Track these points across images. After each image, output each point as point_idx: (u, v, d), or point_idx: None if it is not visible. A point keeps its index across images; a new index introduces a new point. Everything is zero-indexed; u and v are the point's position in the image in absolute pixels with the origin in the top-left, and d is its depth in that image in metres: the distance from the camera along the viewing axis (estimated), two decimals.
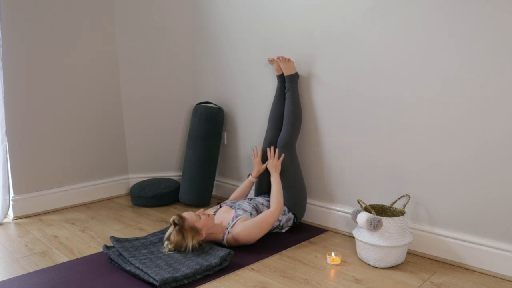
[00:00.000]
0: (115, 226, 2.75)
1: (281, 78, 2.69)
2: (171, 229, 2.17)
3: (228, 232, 2.27)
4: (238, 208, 2.38)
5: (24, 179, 2.95)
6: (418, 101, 2.16)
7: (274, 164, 2.55)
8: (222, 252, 2.08)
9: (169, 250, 2.16)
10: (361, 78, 2.38)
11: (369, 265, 2.12)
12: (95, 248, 2.38)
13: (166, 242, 2.18)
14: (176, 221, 2.14)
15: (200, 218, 2.19)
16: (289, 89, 2.62)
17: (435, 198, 2.16)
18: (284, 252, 2.28)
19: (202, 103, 3.25)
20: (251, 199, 2.55)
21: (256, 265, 2.13)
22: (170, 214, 2.97)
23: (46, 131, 3.03)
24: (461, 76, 2.00)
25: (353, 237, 2.46)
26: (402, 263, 2.13)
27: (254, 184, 2.76)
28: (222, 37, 3.15)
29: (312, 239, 2.47)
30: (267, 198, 2.58)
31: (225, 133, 3.27)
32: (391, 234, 2.02)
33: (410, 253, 2.25)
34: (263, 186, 2.72)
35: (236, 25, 3.03)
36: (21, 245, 2.43)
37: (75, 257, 2.25)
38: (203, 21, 3.28)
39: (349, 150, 2.49)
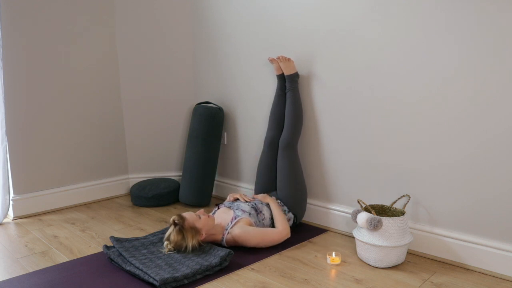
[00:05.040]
0: (115, 226, 2.75)
1: (281, 77, 2.69)
2: (171, 229, 2.17)
3: (228, 233, 2.27)
4: (236, 209, 2.37)
5: (24, 179, 2.95)
6: (418, 101, 2.16)
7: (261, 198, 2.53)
8: (222, 252, 2.08)
9: (169, 250, 2.16)
10: (361, 77, 2.38)
11: (369, 265, 2.12)
12: (95, 248, 2.38)
13: (166, 242, 2.18)
14: (176, 221, 2.14)
15: (200, 218, 2.19)
16: (290, 89, 2.62)
17: (435, 198, 2.16)
18: (284, 252, 2.28)
19: (202, 103, 3.25)
20: None
21: (256, 265, 2.13)
22: (170, 214, 2.97)
23: (46, 131, 3.03)
24: (461, 75, 2.00)
25: (353, 237, 2.46)
26: (402, 263, 2.13)
27: (254, 185, 2.76)
28: (222, 37, 3.15)
29: (312, 239, 2.47)
30: None
31: (225, 133, 3.27)
32: (391, 234, 2.02)
33: (410, 253, 2.25)
34: (262, 188, 2.71)
35: (236, 25, 3.02)
36: (21, 245, 2.43)
37: (75, 257, 2.25)
38: (203, 21, 3.28)
39: (349, 150, 2.49)
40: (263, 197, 2.52)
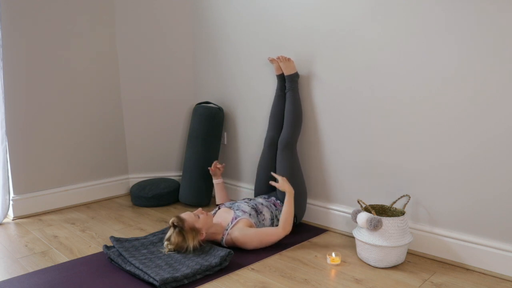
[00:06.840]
0: (115, 226, 2.75)
1: (281, 77, 2.69)
2: (171, 231, 2.17)
3: (228, 234, 2.26)
4: (237, 209, 2.37)
5: (24, 179, 2.95)
6: (418, 101, 2.16)
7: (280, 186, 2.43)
8: (222, 252, 2.08)
9: (169, 250, 2.16)
10: (361, 77, 2.38)
11: (369, 265, 2.12)
12: (95, 248, 2.38)
13: (166, 243, 2.18)
14: (175, 223, 2.13)
15: (199, 217, 2.19)
16: (290, 89, 2.62)
17: (435, 198, 2.16)
18: (284, 252, 2.28)
19: (202, 103, 3.25)
20: (250, 199, 2.54)
21: (256, 265, 2.13)
22: (170, 214, 2.97)
23: (46, 131, 3.03)
24: (461, 75, 2.00)
25: (353, 237, 2.46)
26: (402, 263, 2.13)
27: (254, 185, 2.76)
28: (222, 37, 3.15)
29: (312, 239, 2.47)
30: (267, 199, 2.58)
31: (225, 133, 3.27)
32: (391, 234, 2.02)
33: (410, 253, 2.25)
34: (262, 188, 2.71)
35: (236, 25, 3.03)
36: (21, 245, 2.43)
37: (75, 257, 2.25)
38: (203, 21, 3.28)
39: (349, 150, 2.49)
40: (281, 182, 2.40)
